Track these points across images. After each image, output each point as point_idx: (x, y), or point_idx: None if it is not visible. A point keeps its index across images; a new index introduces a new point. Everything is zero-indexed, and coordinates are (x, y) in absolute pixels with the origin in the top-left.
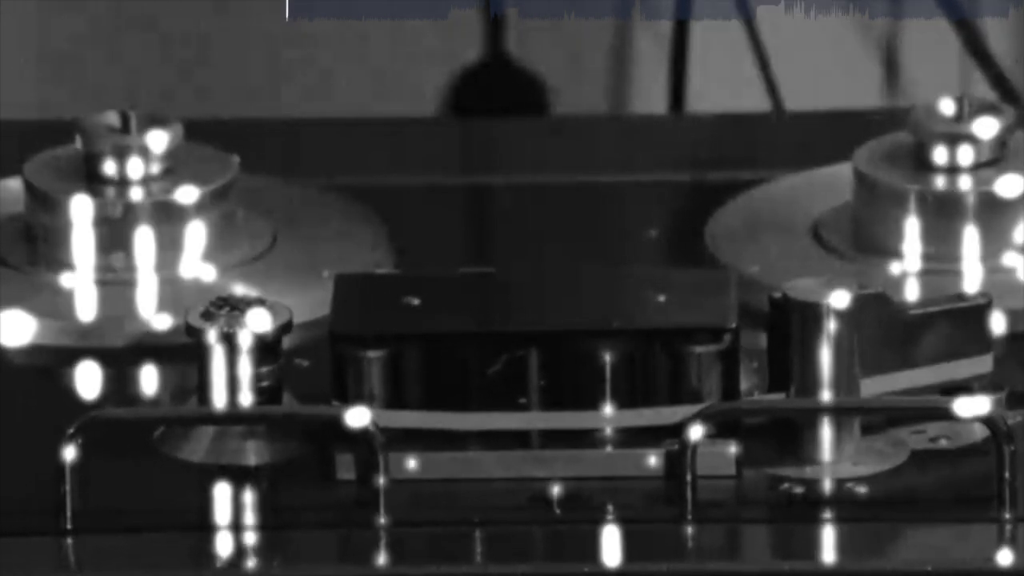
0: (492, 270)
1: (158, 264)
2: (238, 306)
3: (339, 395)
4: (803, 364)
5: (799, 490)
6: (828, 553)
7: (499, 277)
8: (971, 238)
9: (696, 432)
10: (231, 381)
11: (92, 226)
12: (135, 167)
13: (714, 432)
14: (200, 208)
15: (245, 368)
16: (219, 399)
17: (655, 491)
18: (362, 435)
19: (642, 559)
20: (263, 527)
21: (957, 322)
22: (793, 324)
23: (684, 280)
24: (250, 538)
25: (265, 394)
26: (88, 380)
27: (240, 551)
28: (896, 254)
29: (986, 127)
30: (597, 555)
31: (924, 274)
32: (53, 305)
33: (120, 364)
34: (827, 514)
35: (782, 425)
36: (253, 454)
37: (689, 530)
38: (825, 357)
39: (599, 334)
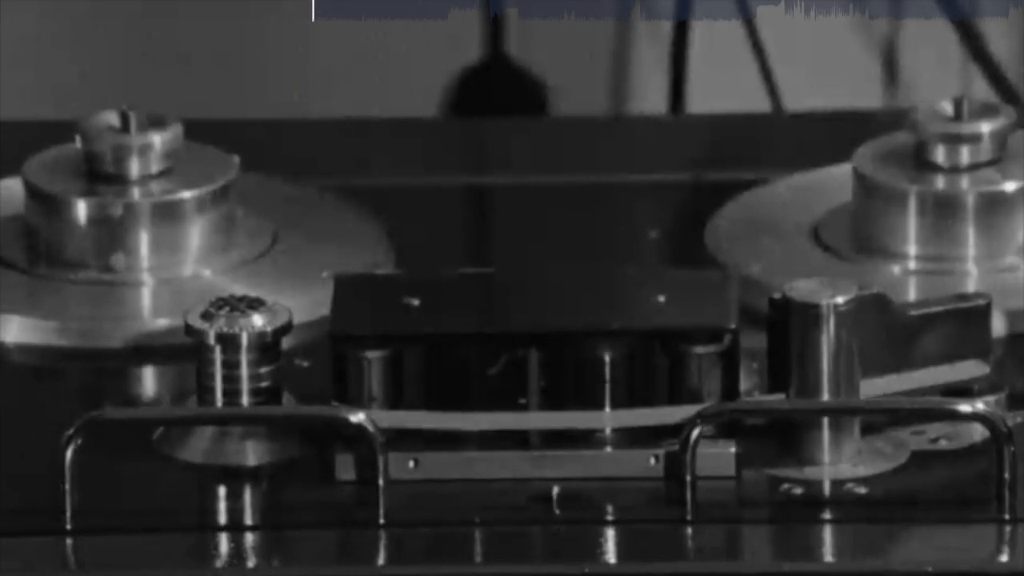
0: (492, 270)
1: (158, 264)
2: (238, 306)
3: (339, 395)
4: (803, 365)
5: (799, 491)
6: (828, 553)
7: (499, 277)
8: (971, 238)
9: (696, 432)
10: (231, 381)
11: (92, 226)
12: (135, 167)
13: (714, 432)
14: (200, 208)
15: (245, 368)
16: (219, 399)
17: (655, 491)
18: (362, 435)
19: (642, 559)
20: (263, 527)
21: (957, 323)
22: (793, 325)
23: (684, 280)
24: (250, 538)
25: (265, 394)
26: (88, 380)
27: (240, 551)
28: (896, 254)
29: (986, 127)
30: (597, 555)
31: (924, 274)
32: (53, 305)
33: (120, 364)
34: (827, 515)
35: (782, 426)
36: (253, 454)
37: (689, 530)
38: (825, 358)
39: (599, 334)
